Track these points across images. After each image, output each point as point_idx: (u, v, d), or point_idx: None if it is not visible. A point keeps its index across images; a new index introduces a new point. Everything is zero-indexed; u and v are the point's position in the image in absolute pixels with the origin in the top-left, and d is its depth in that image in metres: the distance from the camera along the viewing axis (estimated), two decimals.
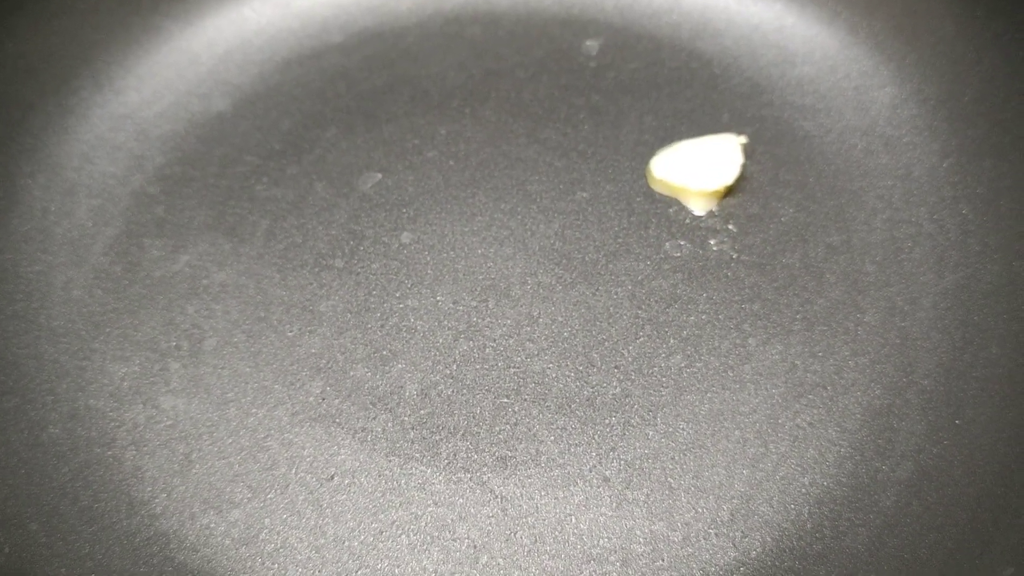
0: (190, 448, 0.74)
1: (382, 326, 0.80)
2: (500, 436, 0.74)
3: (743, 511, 0.70)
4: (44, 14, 0.89)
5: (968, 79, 0.87)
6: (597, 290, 0.81)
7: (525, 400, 0.76)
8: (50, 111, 0.89)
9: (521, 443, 0.74)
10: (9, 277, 0.81)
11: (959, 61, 0.87)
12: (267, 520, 0.71)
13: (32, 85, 0.88)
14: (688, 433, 0.74)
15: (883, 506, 0.69)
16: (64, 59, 0.91)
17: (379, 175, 0.88)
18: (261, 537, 0.70)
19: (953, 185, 0.84)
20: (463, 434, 0.74)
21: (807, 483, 0.71)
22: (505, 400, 0.76)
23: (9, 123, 0.86)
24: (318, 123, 0.91)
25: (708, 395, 0.76)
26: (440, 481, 0.72)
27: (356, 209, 0.86)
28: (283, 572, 0.69)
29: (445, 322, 0.80)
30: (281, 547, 0.70)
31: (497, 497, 0.72)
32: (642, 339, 0.78)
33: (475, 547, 0.70)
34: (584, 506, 0.71)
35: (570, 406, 0.75)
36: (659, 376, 0.76)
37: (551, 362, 0.77)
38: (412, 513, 0.71)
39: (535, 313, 0.80)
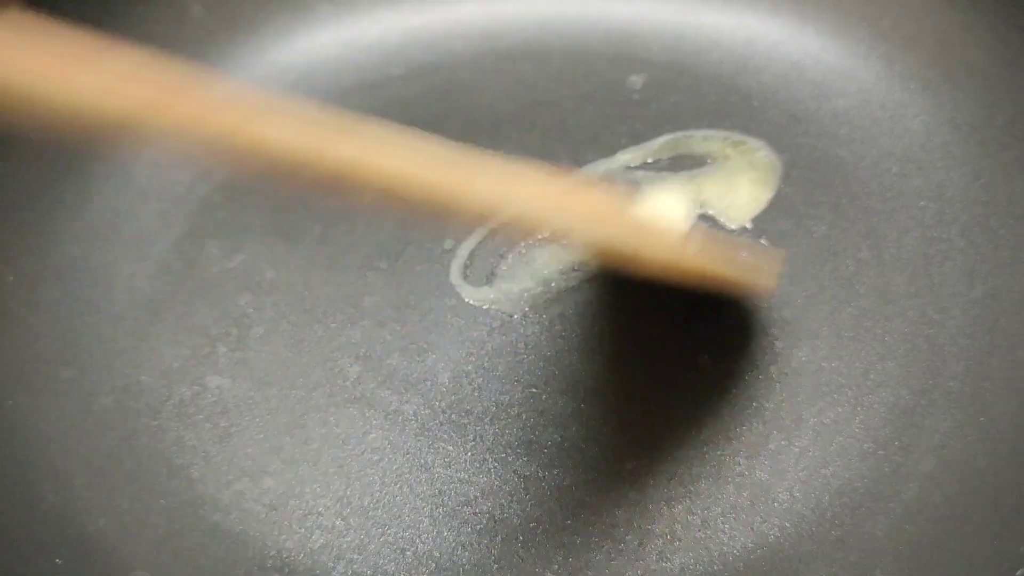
0: (230, 422, 0.78)
1: (420, 320, 0.83)
2: (527, 422, 0.76)
3: (763, 499, 0.71)
4: (129, 35, 0.95)
5: (1000, 105, 0.88)
6: (625, 293, 0.83)
7: (552, 390, 0.78)
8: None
9: (547, 429, 0.76)
10: (78, 266, 0.87)
11: (992, 89, 0.90)
12: (298, 489, 0.74)
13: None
14: (712, 426, 0.75)
15: (904, 497, 0.69)
16: None
17: None
18: (291, 504, 0.73)
19: (984, 204, 0.85)
20: (491, 419, 0.76)
21: (828, 474, 0.71)
22: (534, 390, 0.78)
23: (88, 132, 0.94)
24: None
25: (732, 392, 0.77)
26: (465, 460, 0.74)
27: (404, 219, 0.91)
28: (309, 536, 0.71)
29: (480, 319, 0.83)
30: (309, 513, 0.72)
31: (520, 477, 0.73)
32: (669, 337, 0.80)
33: (495, 521, 0.71)
34: (605, 488, 0.72)
35: (597, 397, 0.77)
36: (685, 372, 0.78)
37: (580, 356, 0.80)
38: (436, 488, 0.73)
39: (567, 312, 0.83)
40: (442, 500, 0.72)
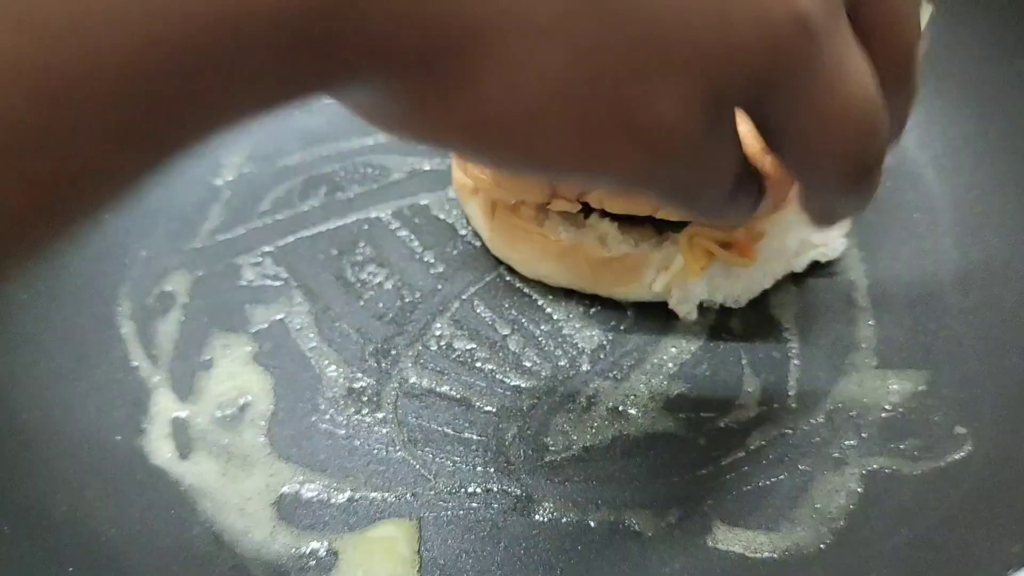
0: (240, 435, 0.79)
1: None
2: (531, 429, 0.78)
3: (760, 505, 0.72)
4: None
5: (991, 118, 0.90)
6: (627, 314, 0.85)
7: (566, 407, 0.79)
8: None
9: (557, 437, 0.77)
10: (90, 284, 0.89)
11: (984, 103, 0.92)
12: (304, 498, 0.75)
13: None
14: (711, 434, 0.76)
15: (899, 500, 0.71)
16: None
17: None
18: (298, 513, 0.74)
19: (977, 216, 0.87)
20: (493, 429, 0.78)
21: (823, 478, 0.73)
22: (536, 399, 0.80)
23: None
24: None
25: (736, 399, 0.78)
26: (468, 470, 0.76)
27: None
28: (315, 544, 0.72)
29: None
30: (315, 523, 0.73)
31: (523, 485, 0.75)
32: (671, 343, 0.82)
33: (497, 528, 0.72)
34: (608, 495, 0.74)
35: (598, 406, 0.79)
36: (677, 369, 0.80)
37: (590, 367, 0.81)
38: (440, 496, 0.75)
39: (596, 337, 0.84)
40: (446, 507, 0.74)
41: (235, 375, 0.83)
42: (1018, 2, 0.91)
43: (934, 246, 0.87)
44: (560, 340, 0.84)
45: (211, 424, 0.80)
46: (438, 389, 0.81)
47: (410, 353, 0.83)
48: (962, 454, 0.72)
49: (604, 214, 0.82)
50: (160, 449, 0.78)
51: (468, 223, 0.93)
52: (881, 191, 0.89)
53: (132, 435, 0.79)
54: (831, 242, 0.84)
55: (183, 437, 0.79)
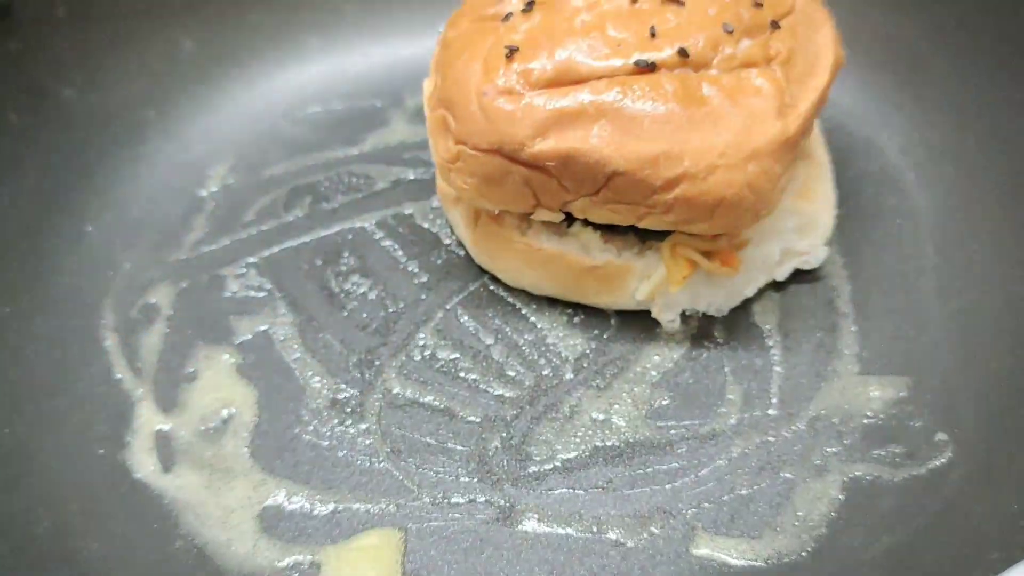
0: (222, 449, 0.79)
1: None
2: (521, 443, 0.78)
3: (743, 513, 0.72)
4: (124, 72, 1.01)
5: (971, 126, 0.91)
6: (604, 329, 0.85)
7: (549, 416, 0.79)
8: (123, 157, 0.99)
9: (541, 447, 0.77)
10: (73, 299, 0.89)
11: (963, 111, 0.92)
12: (287, 511, 0.75)
13: (108, 134, 0.99)
14: (693, 442, 0.77)
15: (881, 507, 0.71)
16: (139, 113, 1.01)
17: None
18: (281, 526, 0.74)
19: (957, 221, 0.88)
20: (476, 440, 0.78)
21: (805, 487, 0.73)
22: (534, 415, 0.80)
23: (84, 166, 0.96)
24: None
25: (718, 407, 0.78)
26: (450, 484, 0.76)
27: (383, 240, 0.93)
28: (299, 556, 0.72)
29: None
30: (299, 535, 0.73)
31: (505, 496, 0.75)
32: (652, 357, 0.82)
33: (480, 540, 0.72)
34: (589, 506, 0.74)
35: (581, 415, 0.79)
36: (667, 386, 0.80)
37: (579, 386, 0.82)
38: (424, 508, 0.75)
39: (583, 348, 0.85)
40: (430, 518, 0.74)
41: (219, 387, 0.83)
42: (995, 14, 0.91)
43: (915, 252, 0.87)
44: (544, 349, 0.84)
45: (194, 437, 0.80)
46: (422, 399, 0.81)
47: (394, 363, 0.84)
48: (943, 460, 0.73)
49: (587, 223, 0.82)
50: (143, 462, 0.78)
51: (452, 232, 0.93)
52: (864, 198, 0.92)
53: (115, 449, 0.79)
54: (813, 250, 0.85)
55: (166, 450, 0.79)
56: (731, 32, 0.76)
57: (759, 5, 0.79)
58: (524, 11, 0.80)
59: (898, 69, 0.97)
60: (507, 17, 0.80)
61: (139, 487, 0.76)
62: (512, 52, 0.77)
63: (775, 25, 0.78)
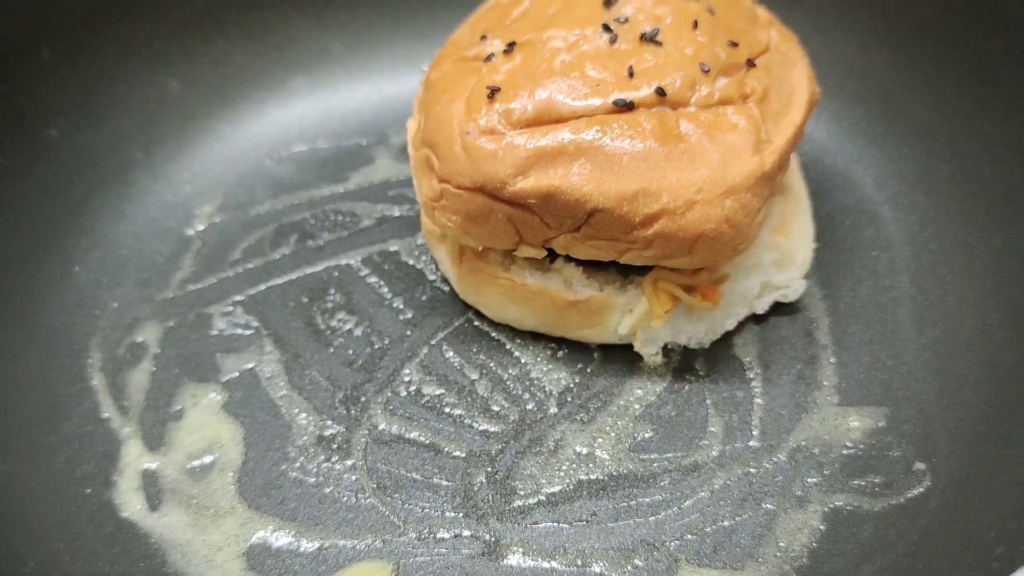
0: (209, 488, 0.80)
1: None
2: (506, 478, 0.78)
3: (725, 544, 0.73)
4: (110, 112, 1.02)
5: (943, 157, 0.93)
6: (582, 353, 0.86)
7: (534, 451, 0.80)
8: (110, 196, 0.99)
9: (526, 481, 0.78)
10: (61, 336, 0.89)
11: (934, 142, 0.94)
12: (273, 548, 0.75)
13: (95, 173, 1.00)
14: (676, 475, 0.77)
15: (859, 537, 0.72)
16: (126, 152, 1.02)
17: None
18: (267, 564, 0.74)
19: (932, 252, 0.89)
20: (461, 474, 0.79)
21: (785, 516, 0.74)
22: (519, 449, 0.81)
23: (71, 205, 0.97)
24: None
25: (700, 440, 0.80)
26: (437, 517, 0.76)
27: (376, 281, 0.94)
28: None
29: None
30: (285, 572, 0.74)
31: (491, 530, 0.75)
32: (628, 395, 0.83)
33: (465, 572, 0.73)
34: (576, 536, 0.74)
35: (565, 449, 0.80)
36: (644, 418, 0.81)
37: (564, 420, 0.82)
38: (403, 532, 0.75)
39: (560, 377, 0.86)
40: (416, 553, 0.74)
41: (205, 425, 0.84)
42: (963, 49, 0.93)
43: (892, 283, 0.88)
44: (528, 383, 0.85)
45: (181, 475, 0.80)
46: (407, 435, 0.82)
47: (379, 400, 0.84)
48: (921, 490, 0.74)
49: (569, 259, 0.84)
50: (130, 501, 0.78)
51: (437, 268, 0.94)
52: (841, 230, 0.93)
53: (102, 488, 0.79)
54: (792, 284, 0.86)
55: (153, 489, 0.79)
56: (708, 71, 0.78)
57: (735, 44, 0.80)
58: (505, 52, 0.82)
59: (872, 104, 0.99)
60: (489, 58, 0.82)
61: (125, 526, 0.77)
62: (494, 92, 0.78)
63: (751, 63, 0.80)
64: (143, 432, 0.83)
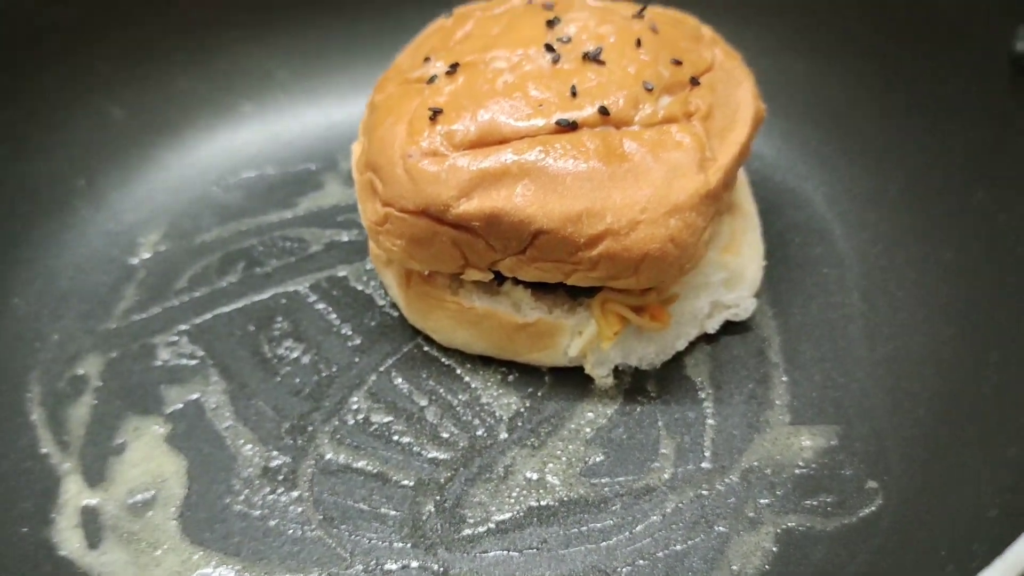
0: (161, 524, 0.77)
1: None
2: (455, 506, 0.77)
3: (713, 560, 0.72)
4: (51, 140, 1.00)
5: (893, 175, 0.93)
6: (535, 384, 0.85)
7: (483, 477, 0.79)
8: (51, 226, 0.97)
9: (475, 509, 0.77)
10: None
11: (884, 159, 0.94)
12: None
13: (35, 202, 0.98)
14: (627, 499, 0.76)
15: (812, 558, 0.71)
16: (68, 181, 1.00)
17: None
18: None
19: (883, 269, 0.89)
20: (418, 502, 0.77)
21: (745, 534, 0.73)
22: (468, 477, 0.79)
23: (9, 236, 0.95)
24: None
25: (652, 462, 0.78)
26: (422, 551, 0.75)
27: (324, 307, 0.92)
28: None
29: None
30: None
31: (440, 560, 0.74)
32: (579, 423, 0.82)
33: None
34: (526, 564, 0.73)
35: (516, 475, 0.78)
36: (599, 446, 0.80)
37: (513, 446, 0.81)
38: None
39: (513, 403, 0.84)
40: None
41: (148, 459, 0.82)
42: (911, 67, 0.93)
43: (843, 300, 0.88)
44: (478, 409, 0.83)
45: (122, 511, 0.78)
46: (355, 464, 0.80)
47: (327, 429, 0.83)
48: (873, 508, 0.73)
49: (517, 282, 0.82)
50: (68, 539, 0.76)
51: (386, 293, 0.93)
52: (792, 248, 0.93)
53: (39, 526, 0.77)
54: (742, 302, 0.86)
55: (93, 526, 0.77)
56: (651, 90, 0.77)
57: (679, 63, 0.80)
58: (448, 73, 0.81)
59: (821, 122, 0.99)
60: (431, 80, 0.81)
61: (63, 565, 0.74)
62: (436, 114, 0.77)
63: (695, 82, 0.80)
64: (83, 467, 0.81)
